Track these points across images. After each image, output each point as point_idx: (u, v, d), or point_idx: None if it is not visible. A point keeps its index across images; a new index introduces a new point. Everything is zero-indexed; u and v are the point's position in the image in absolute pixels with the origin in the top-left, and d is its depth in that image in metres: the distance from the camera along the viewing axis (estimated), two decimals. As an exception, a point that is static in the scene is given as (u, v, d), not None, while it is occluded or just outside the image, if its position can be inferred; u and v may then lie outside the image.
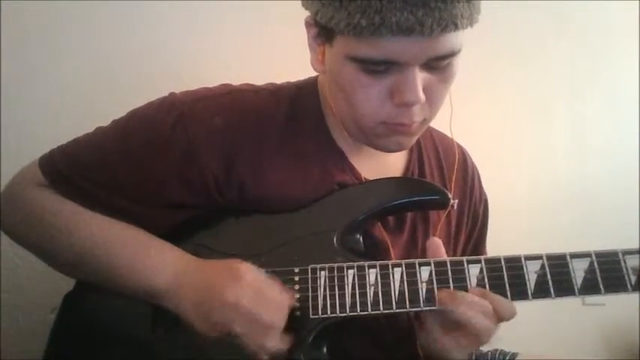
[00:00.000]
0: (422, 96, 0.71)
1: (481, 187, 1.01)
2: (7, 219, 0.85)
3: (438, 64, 0.71)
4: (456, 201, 0.83)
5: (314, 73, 0.87)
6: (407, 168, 0.92)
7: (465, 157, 0.99)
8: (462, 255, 0.94)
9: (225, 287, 0.72)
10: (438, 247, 0.78)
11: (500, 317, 0.73)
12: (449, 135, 0.95)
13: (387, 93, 0.72)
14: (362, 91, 0.73)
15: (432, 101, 0.75)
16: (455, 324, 0.73)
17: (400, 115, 0.74)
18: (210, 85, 0.87)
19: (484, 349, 1.01)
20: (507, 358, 0.97)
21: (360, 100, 0.74)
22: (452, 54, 0.71)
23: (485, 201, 1.02)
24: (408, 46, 0.67)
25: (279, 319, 0.72)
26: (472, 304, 0.72)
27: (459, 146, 0.97)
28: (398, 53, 0.68)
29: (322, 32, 0.74)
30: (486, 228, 1.02)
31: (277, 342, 0.72)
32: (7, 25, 1.09)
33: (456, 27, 0.67)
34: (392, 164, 0.90)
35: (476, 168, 1.01)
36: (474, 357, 0.99)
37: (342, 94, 0.76)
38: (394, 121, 0.75)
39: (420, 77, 0.71)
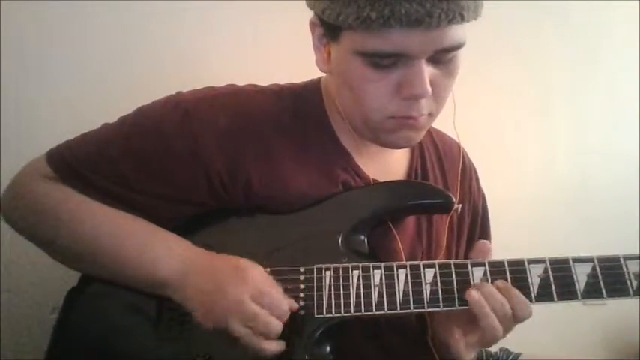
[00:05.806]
0: (429, 88, 0.72)
1: (478, 183, 1.02)
2: (13, 211, 0.85)
3: (443, 58, 0.73)
4: (460, 205, 0.83)
5: (318, 74, 0.87)
6: (410, 167, 0.92)
7: (463, 155, 0.99)
8: (464, 252, 0.95)
9: (230, 284, 0.73)
10: (481, 250, 0.79)
11: (516, 316, 0.73)
12: (451, 132, 0.95)
13: (395, 87, 0.73)
14: (370, 85, 0.74)
15: (438, 95, 0.75)
16: (467, 317, 0.74)
17: (408, 108, 0.75)
18: (215, 85, 0.87)
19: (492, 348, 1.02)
20: (510, 357, 0.98)
21: (368, 96, 0.75)
22: (457, 47, 0.72)
23: (483, 196, 1.02)
24: (416, 38, 0.68)
25: (278, 323, 0.73)
26: (493, 299, 0.73)
27: (458, 145, 0.97)
28: (406, 46, 0.69)
29: (328, 30, 0.75)
30: (488, 223, 1.02)
31: (271, 344, 0.73)
32: (7, 25, 1.08)
33: (462, 18, 0.68)
34: (395, 163, 0.91)
35: (473, 165, 1.02)
36: (484, 355, 1.00)
37: (349, 91, 0.77)
38: (402, 114, 0.75)
39: (427, 71, 0.71)
